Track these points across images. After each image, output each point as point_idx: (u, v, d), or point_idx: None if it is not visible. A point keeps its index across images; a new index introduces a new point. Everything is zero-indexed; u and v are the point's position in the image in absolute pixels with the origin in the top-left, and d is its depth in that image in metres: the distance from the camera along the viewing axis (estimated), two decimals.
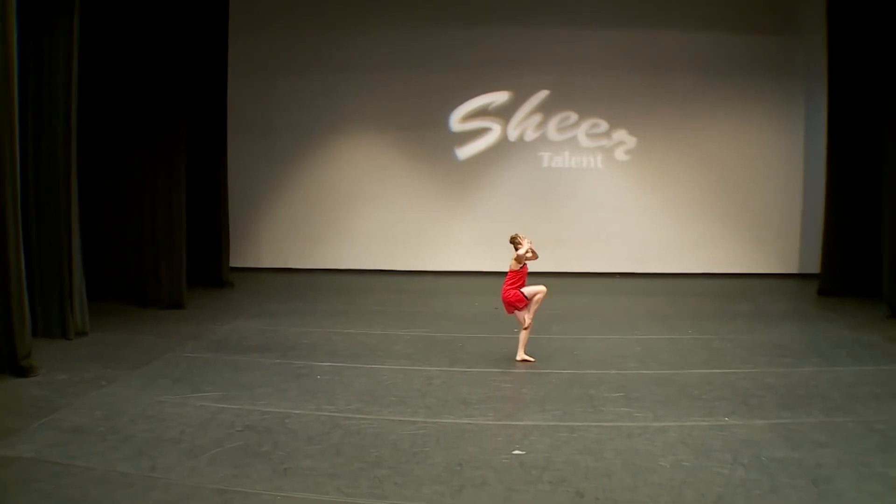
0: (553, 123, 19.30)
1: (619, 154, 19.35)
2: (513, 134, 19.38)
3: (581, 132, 19.30)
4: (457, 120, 19.41)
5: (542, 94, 19.27)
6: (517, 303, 10.12)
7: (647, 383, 9.20)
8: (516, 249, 10.22)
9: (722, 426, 7.57)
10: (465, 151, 19.46)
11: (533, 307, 10.17)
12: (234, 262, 18.13)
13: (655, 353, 10.86)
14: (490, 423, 7.76)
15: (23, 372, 9.24)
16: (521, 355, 10.16)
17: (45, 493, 5.96)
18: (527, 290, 10.17)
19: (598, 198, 19.29)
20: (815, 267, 17.13)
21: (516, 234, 10.41)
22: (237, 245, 18.51)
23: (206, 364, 10.02)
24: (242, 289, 16.64)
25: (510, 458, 6.73)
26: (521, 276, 10.22)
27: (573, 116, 19.28)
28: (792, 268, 19.09)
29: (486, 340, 11.52)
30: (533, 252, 10.26)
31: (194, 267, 15.39)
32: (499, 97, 19.36)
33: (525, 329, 10.19)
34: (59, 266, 11.32)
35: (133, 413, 7.91)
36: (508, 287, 10.16)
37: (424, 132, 19.37)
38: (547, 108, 19.30)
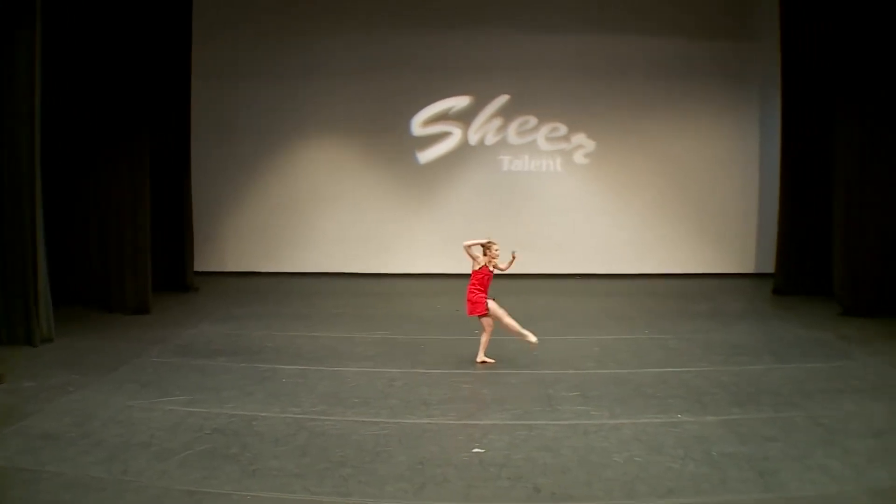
0: (513, 127, 19.43)
1: (579, 157, 19.52)
2: (473, 138, 19.49)
3: (541, 136, 19.45)
4: (418, 124, 19.47)
5: (503, 99, 19.39)
6: (477, 306, 10.29)
7: (604, 382, 9.47)
8: (484, 253, 10.47)
9: (675, 423, 7.88)
10: (426, 155, 19.54)
11: (501, 322, 10.41)
12: (199, 266, 18.06)
13: (613, 353, 11.13)
14: (451, 422, 8.01)
15: None
16: (481, 357, 10.38)
17: (18, 499, 6.08)
18: (497, 310, 10.40)
19: (558, 201, 19.45)
20: (770, 266, 17.40)
21: (491, 243, 10.64)
22: (201, 249, 18.42)
23: (173, 369, 10.12)
24: (207, 293, 16.64)
25: (470, 456, 7.00)
26: (484, 278, 10.43)
27: (533, 120, 19.43)
28: (749, 267, 19.36)
29: (448, 342, 11.74)
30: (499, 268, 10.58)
31: (159, 271, 15.28)
32: (459, 101, 19.45)
33: (486, 332, 10.39)
34: (24, 272, 11.31)
35: (103, 418, 8.02)
36: (473, 288, 10.39)
37: (386, 136, 19.42)
38: (507, 113, 19.43)
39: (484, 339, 10.42)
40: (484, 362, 10.36)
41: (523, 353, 10.96)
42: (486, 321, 10.35)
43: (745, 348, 11.36)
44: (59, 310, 12.41)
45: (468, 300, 10.43)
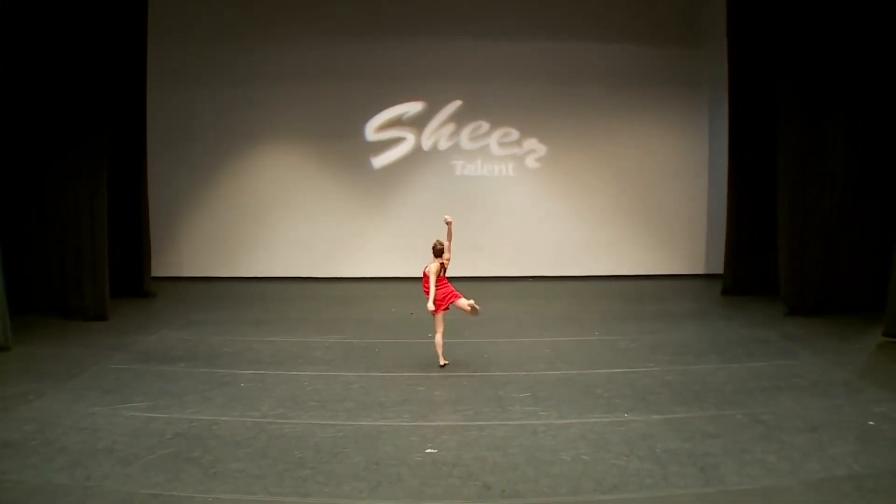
0: (466, 133, 19.64)
1: (531, 162, 19.77)
2: (427, 143, 19.67)
3: (493, 141, 19.67)
4: (372, 129, 19.62)
5: (455, 104, 19.59)
6: (447, 299, 10.60)
7: (554, 383, 9.75)
8: (439, 255, 10.58)
9: (621, 422, 8.21)
10: (380, 160, 19.69)
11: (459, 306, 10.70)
12: (156, 271, 18.06)
13: (563, 354, 11.39)
14: (405, 424, 8.26)
15: None
16: (444, 360, 10.59)
17: None
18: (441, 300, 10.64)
19: (511, 204, 19.69)
20: (720, 267, 17.72)
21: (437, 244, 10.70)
22: (158, 254, 18.40)
23: (133, 375, 10.22)
24: (165, 298, 16.65)
25: (423, 456, 7.28)
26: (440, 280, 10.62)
27: (485, 126, 19.65)
28: (699, 268, 19.77)
29: (402, 346, 11.94)
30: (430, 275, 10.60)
31: (116, 277, 15.19)
32: (413, 107, 19.62)
33: (442, 332, 10.61)
34: None
35: (65, 425, 8.14)
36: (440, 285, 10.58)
37: (340, 141, 19.56)
38: (460, 118, 19.63)
39: (440, 339, 10.58)
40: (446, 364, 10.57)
41: (476, 355, 11.26)
42: (440, 317, 10.54)
43: (691, 348, 11.67)
44: (17, 318, 12.38)
45: (438, 298, 10.52)
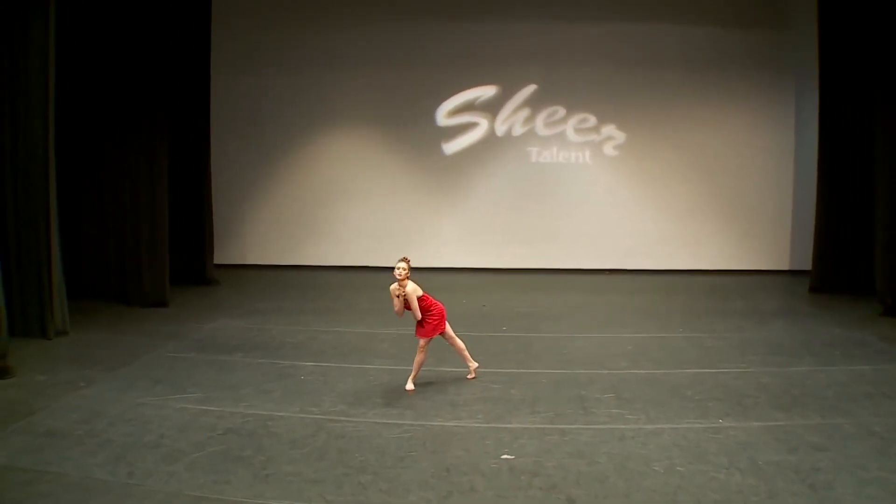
0: (541, 118, 19.09)
1: (608, 149, 19.14)
2: (500, 129, 19.17)
3: (569, 127, 19.09)
4: (444, 115, 19.19)
5: (530, 89, 19.06)
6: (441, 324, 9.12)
7: (639, 383, 9.05)
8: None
9: (716, 428, 7.42)
10: (452, 146, 19.25)
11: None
12: (220, 259, 17.91)
13: (646, 351, 10.71)
14: (478, 425, 7.59)
15: None
16: (411, 385, 9.08)
17: (16, 501, 5.79)
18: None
19: (587, 193, 19.10)
20: (806, 263, 16.95)
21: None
22: (222, 242, 18.29)
23: (188, 364, 9.84)
24: (227, 286, 16.40)
25: (499, 463, 6.58)
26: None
27: (561, 111, 19.07)
28: (783, 264, 18.93)
29: (475, 339, 11.18)
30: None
31: (178, 264, 15.13)
32: (486, 91, 19.13)
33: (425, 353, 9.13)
34: (39, 264, 11.14)
35: (112, 416, 7.74)
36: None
37: (411, 127, 19.16)
38: (535, 103, 19.09)
39: (421, 358, 9.12)
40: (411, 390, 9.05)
41: (554, 350, 10.66)
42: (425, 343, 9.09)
43: (783, 348, 10.88)
44: (76, 302, 12.25)
45: (427, 322, 8.98)
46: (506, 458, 6.66)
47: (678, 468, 6.42)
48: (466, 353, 9.33)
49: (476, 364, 9.42)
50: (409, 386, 8.88)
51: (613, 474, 6.32)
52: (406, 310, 8.89)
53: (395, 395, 8.64)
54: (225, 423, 7.52)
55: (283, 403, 8.22)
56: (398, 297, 8.82)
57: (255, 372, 9.47)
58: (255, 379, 9.15)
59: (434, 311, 8.94)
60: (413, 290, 8.81)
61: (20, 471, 6.32)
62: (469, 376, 9.32)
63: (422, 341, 8.93)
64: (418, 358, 8.96)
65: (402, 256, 8.97)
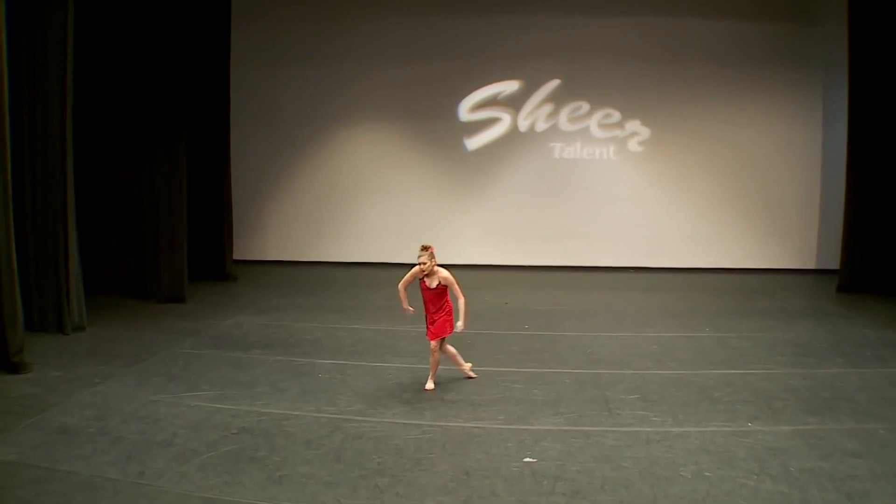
0: (565, 113, 18.93)
1: (633, 145, 18.95)
2: (523, 124, 19.02)
3: (593, 122, 18.92)
4: (466, 109, 19.05)
5: (553, 84, 18.88)
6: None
7: (665, 384, 8.80)
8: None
9: (745, 432, 7.16)
10: (474, 142, 19.12)
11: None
12: (240, 254, 17.91)
13: (672, 351, 10.45)
14: (499, 426, 7.37)
15: (15, 368, 9.00)
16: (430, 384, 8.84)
17: (25, 499, 5.67)
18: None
19: (611, 190, 18.91)
20: (833, 262, 16.75)
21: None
22: (244, 237, 18.33)
23: (204, 361, 9.69)
24: (246, 282, 16.29)
25: (521, 466, 6.35)
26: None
27: (585, 106, 18.90)
28: (809, 263, 18.68)
29: (497, 337, 11.18)
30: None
31: (197, 260, 15.13)
32: (509, 86, 18.98)
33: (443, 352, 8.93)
34: (56, 259, 11.08)
35: (125, 413, 7.59)
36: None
37: (432, 122, 19.03)
38: (558, 98, 18.92)
39: (436, 358, 8.85)
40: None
41: (577, 349, 10.44)
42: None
43: (812, 349, 10.59)
44: (94, 298, 12.21)
45: (445, 320, 8.71)
46: (528, 462, 6.43)
47: (706, 474, 6.17)
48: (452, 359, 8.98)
49: (469, 364, 9.12)
50: (429, 385, 8.66)
51: (639, 479, 6.08)
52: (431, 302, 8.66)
53: (413, 394, 8.42)
54: (239, 422, 7.34)
55: (298, 402, 8.04)
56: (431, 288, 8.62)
57: (272, 369, 9.30)
58: (271, 377, 8.97)
59: (447, 309, 8.70)
60: (450, 275, 8.67)
61: (31, 468, 6.20)
62: (471, 376, 9.04)
63: (433, 343, 8.70)
64: (433, 358, 8.76)
65: (422, 245, 8.75)
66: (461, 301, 8.59)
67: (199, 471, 6.21)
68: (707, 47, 18.51)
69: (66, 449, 6.61)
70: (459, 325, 8.61)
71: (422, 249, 8.67)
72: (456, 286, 8.64)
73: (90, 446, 6.68)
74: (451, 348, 8.90)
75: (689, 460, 6.46)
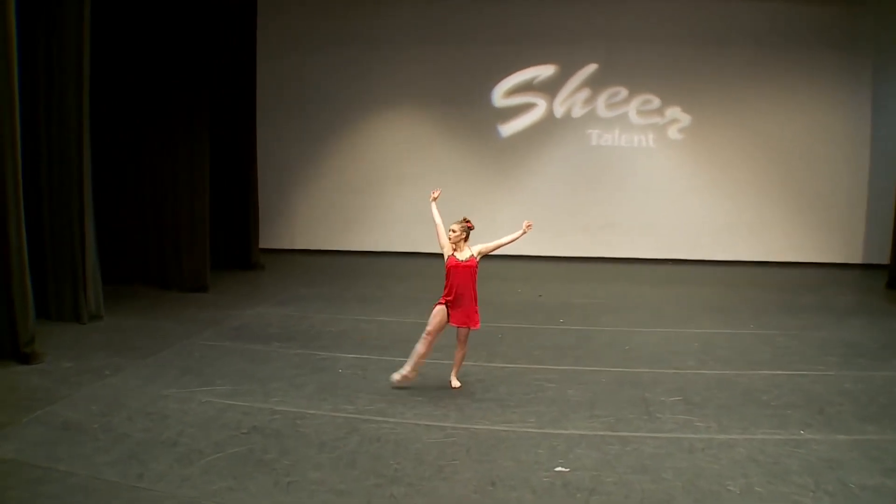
0: (602, 99, 18.60)
1: (673, 132, 18.57)
2: (559, 110, 18.71)
3: (632, 109, 18.57)
4: (500, 95, 18.76)
5: (591, 69, 18.55)
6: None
7: (708, 385, 8.32)
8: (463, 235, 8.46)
9: (798, 441, 6.62)
10: (508, 128, 18.84)
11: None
12: (267, 243, 17.72)
13: (714, 349, 10.01)
14: (530, 430, 6.90)
15: (25, 359, 8.82)
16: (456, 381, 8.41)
17: (19, 501, 5.38)
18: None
19: (650, 179, 18.56)
20: (882, 257, 16.40)
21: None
22: (271, 225, 18.17)
23: (221, 353, 9.40)
24: (272, 271, 16.10)
25: (552, 477, 5.87)
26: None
27: (623, 92, 18.55)
28: (856, 258, 18.20)
29: (530, 332, 10.83)
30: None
31: (222, 248, 15.04)
32: (544, 71, 18.64)
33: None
34: (72, 248, 10.94)
35: (133, 408, 7.29)
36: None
37: (466, 108, 18.76)
38: (595, 83, 18.58)
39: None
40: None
41: (614, 346, 10.09)
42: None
43: (864, 349, 10.08)
44: (113, 287, 12.11)
45: (472, 308, 8.35)
46: (559, 472, 5.94)
47: (756, 489, 5.64)
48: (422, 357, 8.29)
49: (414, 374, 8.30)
50: (455, 383, 8.20)
51: (682, 494, 5.55)
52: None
53: (438, 392, 8.01)
54: (250, 421, 6.97)
55: (315, 400, 7.66)
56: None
57: (289, 363, 8.99)
58: (288, 371, 8.64)
59: (474, 296, 8.38)
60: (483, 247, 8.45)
61: (29, 467, 5.93)
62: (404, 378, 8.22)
63: (460, 332, 8.23)
64: (458, 354, 8.31)
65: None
66: (507, 238, 8.64)
67: (202, 474, 5.83)
68: (750, 31, 18.08)
69: (68, 447, 6.34)
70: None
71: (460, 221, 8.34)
72: (491, 243, 8.55)
73: (92, 445, 6.39)
74: (423, 348, 8.22)
75: (737, 472, 5.94)
